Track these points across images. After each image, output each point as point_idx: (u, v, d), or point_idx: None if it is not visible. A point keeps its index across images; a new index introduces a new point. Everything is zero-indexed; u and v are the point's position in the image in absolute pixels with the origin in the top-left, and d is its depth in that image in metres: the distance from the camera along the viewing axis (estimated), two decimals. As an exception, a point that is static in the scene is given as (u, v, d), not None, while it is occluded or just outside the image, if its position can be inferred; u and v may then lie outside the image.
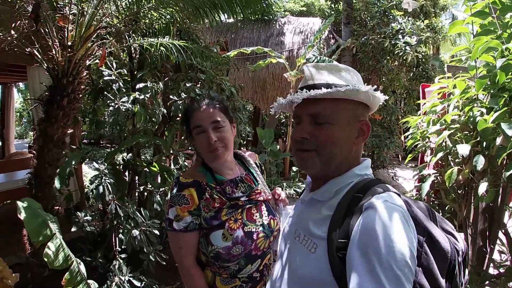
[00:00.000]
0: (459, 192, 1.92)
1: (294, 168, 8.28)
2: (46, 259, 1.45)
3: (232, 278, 1.30)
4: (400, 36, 6.06)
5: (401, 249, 0.67)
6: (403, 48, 5.91)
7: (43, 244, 1.51)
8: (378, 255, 0.67)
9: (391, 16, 6.38)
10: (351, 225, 0.76)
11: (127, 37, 2.70)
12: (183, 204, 1.24)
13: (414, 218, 0.78)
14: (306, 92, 0.86)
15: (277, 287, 0.92)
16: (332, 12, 8.34)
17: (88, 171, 5.45)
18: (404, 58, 5.92)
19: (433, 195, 2.20)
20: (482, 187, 1.41)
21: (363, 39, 6.84)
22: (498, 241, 1.87)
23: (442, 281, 0.74)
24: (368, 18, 7.01)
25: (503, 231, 1.80)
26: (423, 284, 0.72)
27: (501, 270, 1.85)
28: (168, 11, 2.73)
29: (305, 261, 0.83)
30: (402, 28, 5.99)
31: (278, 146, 8.01)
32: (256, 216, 1.35)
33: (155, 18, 2.89)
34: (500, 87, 1.46)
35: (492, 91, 1.54)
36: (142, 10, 2.40)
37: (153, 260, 2.52)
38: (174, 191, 1.27)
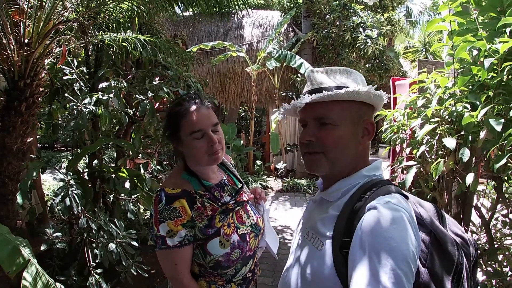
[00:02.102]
0: (436, 181, 2.04)
1: (258, 162, 8.33)
2: (24, 291, 1.29)
3: (227, 283, 1.28)
4: (361, 29, 6.28)
5: (402, 248, 0.69)
6: (364, 41, 6.14)
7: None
8: (379, 254, 0.68)
9: (351, 10, 6.57)
10: (354, 225, 0.78)
11: (87, 33, 2.45)
12: (175, 218, 1.16)
13: (420, 220, 0.80)
14: (308, 96, 0.88)
15: (287, 283, 0.94)
16: (292, 5, 8.40)
17: (46, 179, 4.98)
18: (365, 50, 6.15)
19: (410, 185, 2.30)
20: (470, 178, 1.50)
21: (323, 32, 6.97)
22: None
23: (448, 284, 0.75)
24: (328, 11, 7.15)
25: (477, 213, 1.94)
26: (429, 286, 0.74)
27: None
28: (134, 3, 2.52)
29: (312, 258, 0.86)
30: (363, 21, 6.21)
31: (241, 141, 7.98)
32: (245, 217, 1.35)
33: (118, 11, 2.66)
34: (480, 84, 1.55)
35: (471, 87, 1.63)
36: (108, 1, 2.18)
37: (135, 273, 2.37)
38: (162, 204, 1.17)
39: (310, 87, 0.94)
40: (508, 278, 1.66)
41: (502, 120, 1.31)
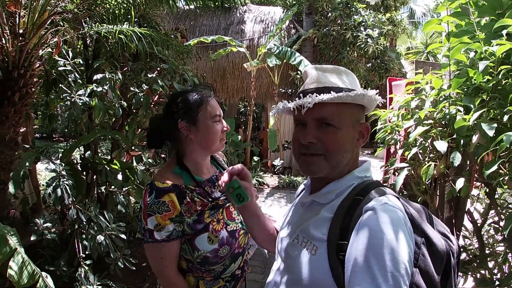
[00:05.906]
0: (428, 184, 2.03)
1: (256, 158, 8.31)
2: (11, 280, 1.29)
3: (216, 279, 1.28)
4: (362, 29, 6.25)
5: (399, 251, 0.69)
6: (365, 40, 6.11)
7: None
8: (376, 256, 0.68)
9: (353, 8, 6.53)
10: (351, 227, 0.77)
11: (83, 24, 2.42)
12: (163, 212, 1.16)
13: (412, 221, 0.80)
14: (316, 96, 0.83)
15: None
16: (294, 2, 8.36)
17: (41, 168, 4.98)
18: (366, 50, 6.13)
19: (402, 187, 2.29)
20: (460, 182, 1.48)
21: (324, 30, 6.94)
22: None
23: (438, 282, 0.76)
24: (330, 9, 7.12)
25: (469, 218, 1.93)
26: (420, 285, 0.74)
27: (468, 253, 2.00)
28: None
29: (306, 263, 0.83)
30: (364, 20, 6.18)
31: (239, 136, 7.96)
32: (235, 214, 1.35)
33: (115, 2, 2.63)
34: (475, 86, 1.53)
35: (465, 90, 1.61)
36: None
37: (122, 266, 2.36)
38: (151, 198, 1.17)
39: (313, 85, 0.88)
40: (497, 288, 1.63)
41: (495, 124, 1.29)
